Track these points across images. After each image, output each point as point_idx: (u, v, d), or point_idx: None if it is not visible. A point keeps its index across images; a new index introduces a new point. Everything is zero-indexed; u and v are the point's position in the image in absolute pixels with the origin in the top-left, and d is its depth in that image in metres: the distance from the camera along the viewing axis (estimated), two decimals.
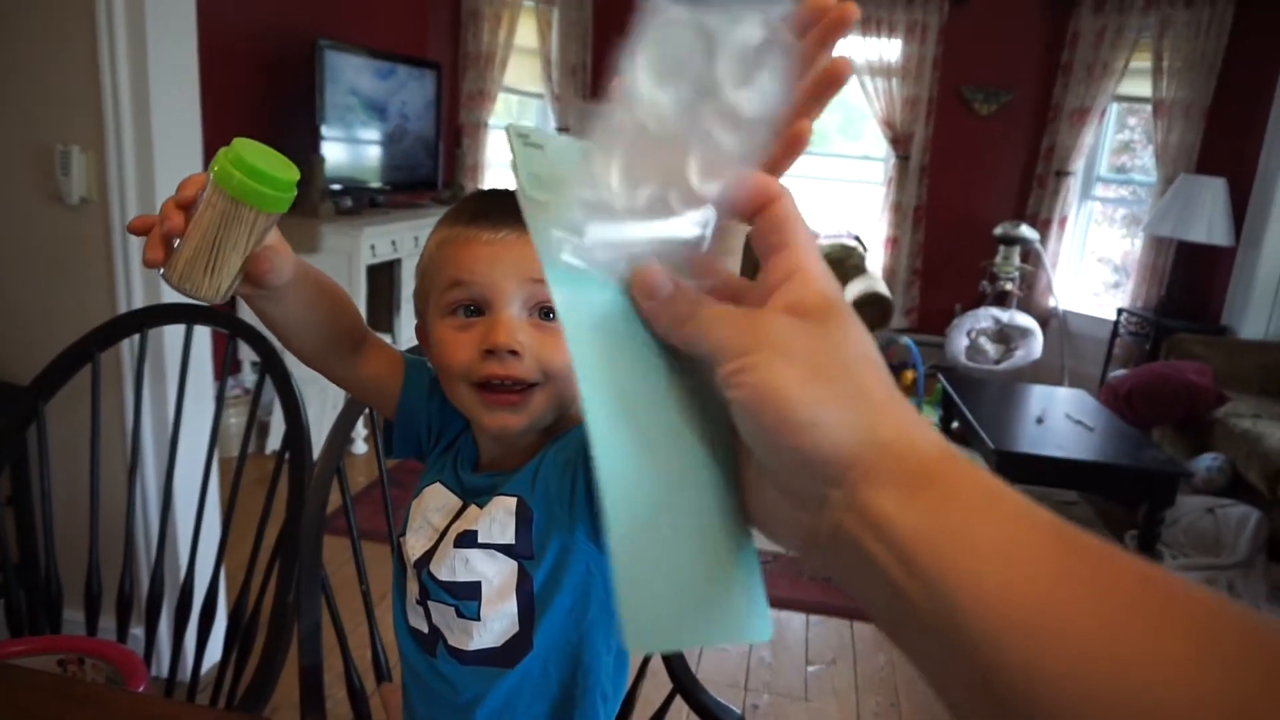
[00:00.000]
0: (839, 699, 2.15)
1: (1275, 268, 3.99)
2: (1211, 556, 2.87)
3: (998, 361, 4.54)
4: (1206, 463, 3.27)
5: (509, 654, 0.67)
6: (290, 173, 0.55)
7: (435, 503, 0.71)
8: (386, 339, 1.37)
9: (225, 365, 1.33)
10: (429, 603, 0.69)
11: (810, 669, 2.26)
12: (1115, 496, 3.37)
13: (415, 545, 0.70)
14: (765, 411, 0.29)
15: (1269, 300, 4.03)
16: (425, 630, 0.70)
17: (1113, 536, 3.11)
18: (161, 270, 0.55)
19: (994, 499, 0.27)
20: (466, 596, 0.67)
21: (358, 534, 1.11)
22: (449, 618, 0.68)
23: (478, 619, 0.67)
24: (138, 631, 1.35)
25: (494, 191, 0.69)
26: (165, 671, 1.29)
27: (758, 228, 0.33)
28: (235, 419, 3.05)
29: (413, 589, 0.70)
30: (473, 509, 0.68)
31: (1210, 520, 2.99)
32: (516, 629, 0.66)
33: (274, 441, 3.14)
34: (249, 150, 0.53)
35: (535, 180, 0.35)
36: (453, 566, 0.67)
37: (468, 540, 0.67)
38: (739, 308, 0.31)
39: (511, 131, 0.37)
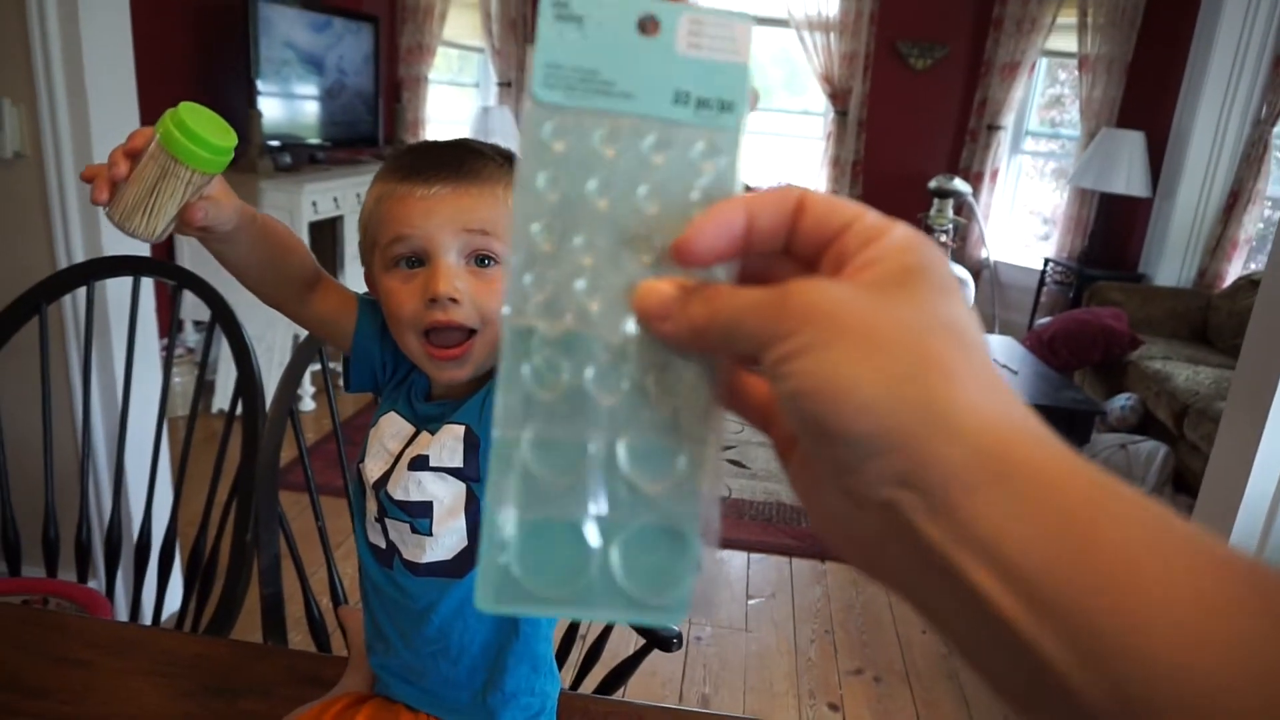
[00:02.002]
0: (777, 629, 2.28)
1: (1188, 218, 4.20)
2: None
3: None
4: (1120, 402, 3.47)
5: (459, 565, 0.73)
6: (228, 139, 0.61)
7: (390, 429, 0.76)
8: None
9: (174, 315, 1.35)
10: (386, 520, 0.75)
11: (750, 602, 2.38)
12: None
13: (373, 468, 0.76)
14: (819, 400, 0.23)
15: (1181, 249, 4.24)
16: (383, 545, 0.76)
17: None
18: (105, 209, 0.62)
19: (1150, 520, 0.21)
20: (420, 515, 0.73)
21: (311, 473, 1.17)
22: (404, 533, 0.74)
23: (430, 535, 0.73)
24: (95, 585, 1.39)
25: (426, 144, 0.74)
26: (126, 619, 1.34)
27: (800, 239, 0.27)
28: (179, 378, 3.04)
29: (371, 508, 0.76)
30: (425, 435, 0.74)
31: (1122, 456, 3.19)
32: (466, 543, 0.73)
33: (220, 400, 3.14)
34: (192, 114, 0.60)
35: (554, 75, 0.27)
36: (406, 487, 0.73)
37: (420, 464, 0.73)
38: (772, 286, 0.26)
39: None
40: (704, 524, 0.28)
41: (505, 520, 0.27)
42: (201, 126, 0.59)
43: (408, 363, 0.78)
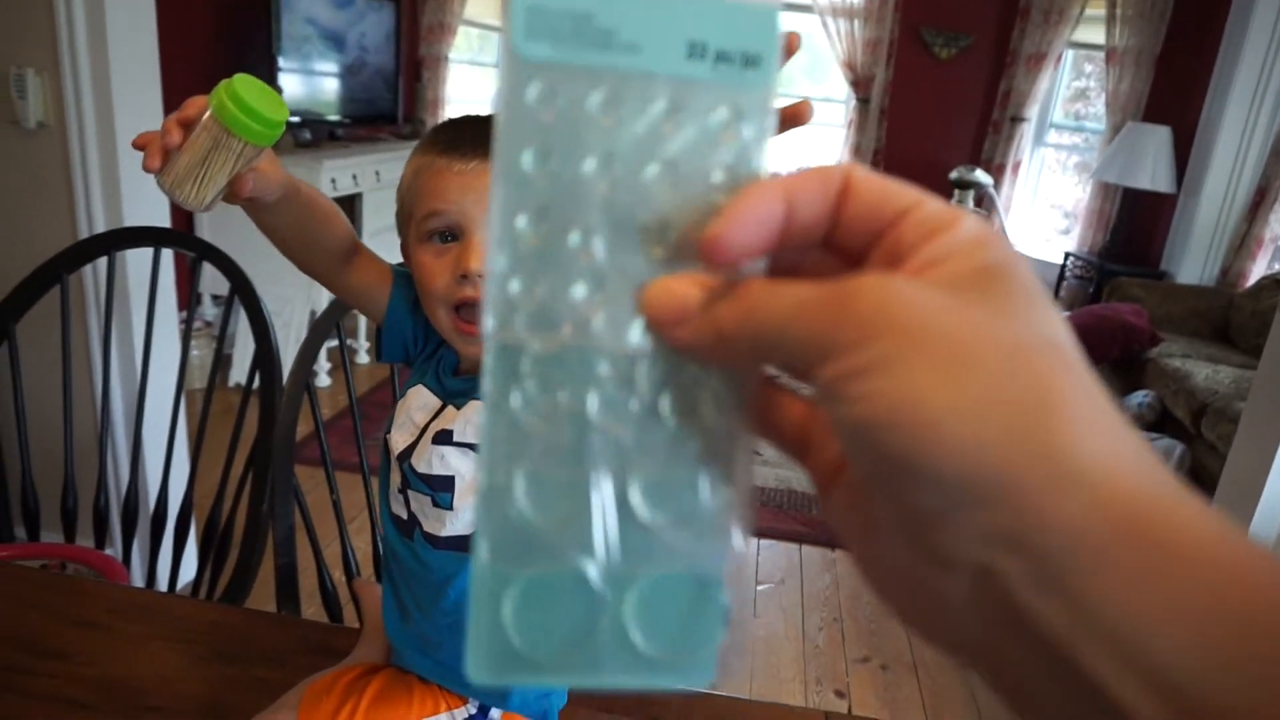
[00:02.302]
0: (786, 616, 2.29)
1: (1212, 215, 4.14)
2: None
3: None
4: (1138, 399, 3.44)
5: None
6: (280, 113, 0.62)
7: (417, 402, 0.77)
8: None
9: (193, 287, 1.36)
10: (408, 492, 0.75)
11: (760, 588, 2.39)
12: None
13: (398, 440, 0.76)
14: (900, 431, 0.19)
15: (1205, 246, 4.19)
16: (405, 516, 0.77)
17: None
18: (157, 176, 0.62)
19: None
20: (441, 489, 0.74)
21: (327, 448, 1.17)
22: (425, 506, 0.75)
23: (451, 509, 0.74)
24: (112, 552, 1.40)
25: (465, 119, 0.74)
26: (142, 586, 1.35)
27: (845, 228, 0.22)
28: (197, 351, 3.06)
29: (395, 479, 0.77)
30: (450, 409, 0.75)
31: None
32: None
33: (237, 374, 3.16)
34: (246, 87, 0.60)
35: (539, 23, 0.22)
36: (430, 461, 0.73)
37: (444, 438, 0.73)
38: (828, 281, 0.21)
39: None
40: (732, 569, 0.23)
41: (498, 576, 0.22)
42: (255, 99, 0.59)
43: (438, 336, 0.79)
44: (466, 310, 0.70)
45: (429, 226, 0.71)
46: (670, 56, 0.22)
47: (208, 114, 0.60)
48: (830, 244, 0.23)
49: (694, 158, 0.23)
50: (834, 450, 0.24)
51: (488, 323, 0.22)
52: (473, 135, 0.70)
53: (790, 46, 0.50)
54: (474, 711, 0.76)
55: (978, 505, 0.18)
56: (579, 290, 0.22)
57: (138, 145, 0.63)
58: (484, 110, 0.80)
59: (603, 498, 0.23)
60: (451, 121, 0.74)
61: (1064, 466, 0.18)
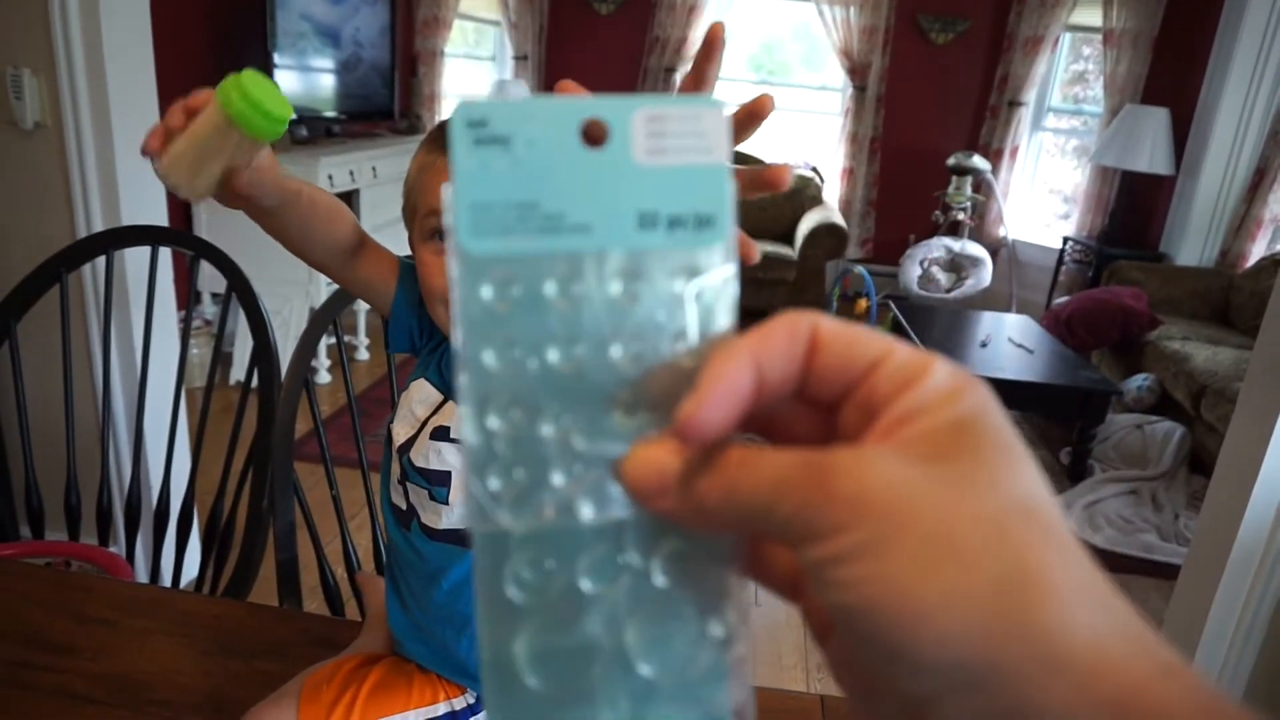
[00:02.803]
0: (787, 604, 2.30)
1: (1211, 197, 4.14)
2: (1139, 469, 3.06)
3: (949, 290, 4.67)
4: (1138, 382, 3.44)
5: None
6: (284, 110, 0.61)
7: (419, 395, 0.78)
8: None
9: (191, 285, 1.37)
10: (407, 484, 0.76)
11: None
12: (1053, 415, 3.54)
13: (400, 432, 0.77)
14: (886, 620, 0.19)
15: (1204, 228, 4.19)
16: (404, 507, 0.78)
17: (1049, 453, 3.29)
18: (153, 160, 0.61)
19: None
20: (438, 483, 0.75)
21: (326, 444, 1.18)
22: (423, 499, 0.76)
23: (447, 503, 0.75)
24: (115, 550, 1.42)
25: None
26: (146, 583, 1.36)
27: (816, 383, 0.23)
28: (197, 350, 3.07)
29: (395, 470, 0.78)
30: (451, 405, 0.75)
31: (1138, 436, 3.17)
32: None
33: (237, 373, 3.17)
34: (253, 81, 0.60)
35: (484, 217, 0.22)
36: (427, 455, 0.74)
37: (441, 434, 0.74)
38: (804, 452, 0.21)
39: (458, 119, 0.22)
40: (737, 709, 0.24)
41: None
42: (261, 94, 0.59)
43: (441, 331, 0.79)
44: None
45: (430, 225, 0.72)
46: (622, 230, 0.23)
47: (213, 104, 0.60)
48: (803, 397, 0.23)
49: (657, 325, 0.23)
50: (839, 632, 0.24)
51: (470, 518, 0.22)
52: None
53: (763, 109, 0.49)
54: (472, 701, 0.77)
55: (970, 690, 0.19)
56: (557, 477, 0.23)
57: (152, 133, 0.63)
58: None
59: (604, 659, 0.23)
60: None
61: (1050, 651, 0.18)
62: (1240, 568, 1.75)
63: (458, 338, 0.22)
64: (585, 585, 0.23)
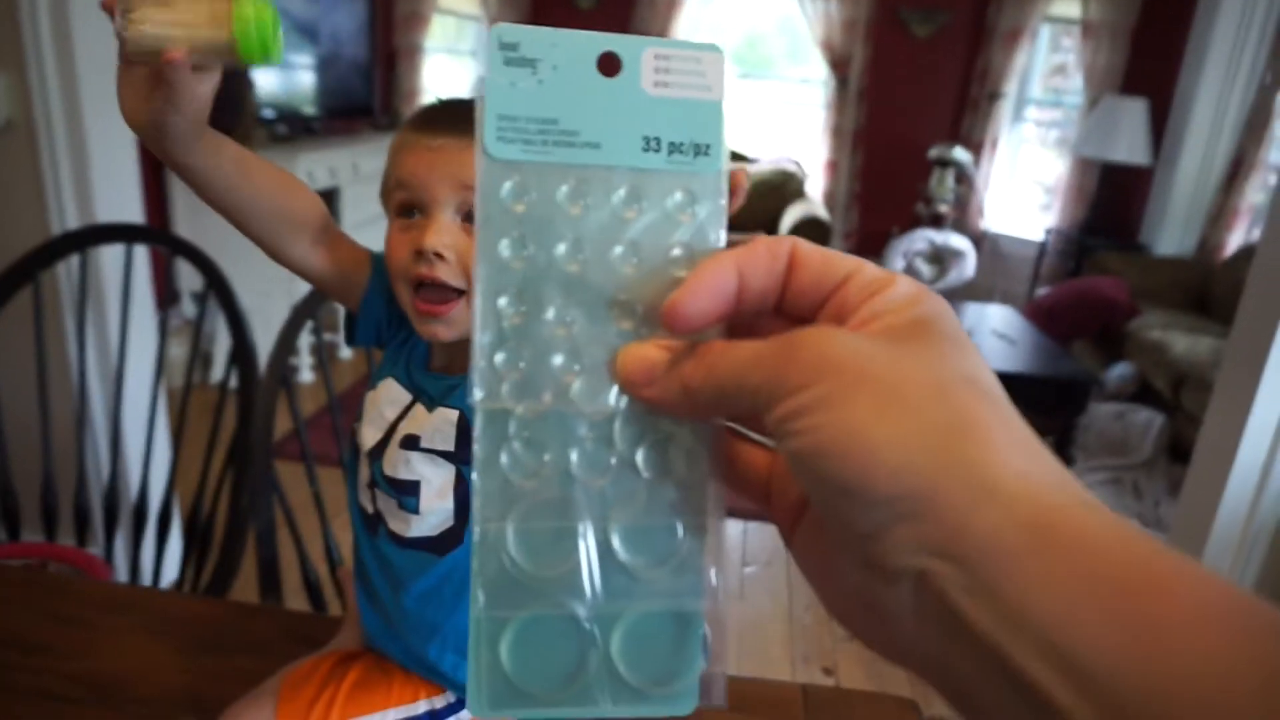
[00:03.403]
0: (773, 598, 2.31)
1: (1189, 187, 4.18)
2: (1120, 458, 3.09)
3: (933, 282, 4.69)
4: (1118, 372, 3.47)
5: (442, 544, 0.74)
6: (279, 54, 0.57)
7: (388, 396, 0.76)
8: None
9: (168, 283, 1.36)
10: (375, 489, 0.75)
11: (746, 570, 2.41)
12: (1034, 405, 3.57)
13: (368, 435, 0.76)
14: (841, 458, 0.21)
15: (1182, 218, 4.22)
16: (371, 512, 0.76)
17: None
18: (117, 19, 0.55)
19: (1219, 599, 0.18)
20: (408, 493, 0.73)
21: (307, 442, 1.17)
22: (391, 507, 0.74)
23: (417, 513, 0.73)
24: (95, 551, 1.40)
25: (448, 101, 0.73)
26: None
27: (794, 295, 0.25)
28: (176, 349, 3.05)
29: (364, 473, 0.76)
30: (420, 408, 0.74)
31: (1119, 425, 3.20)
32: (452, 523, 0.73)
33: (217, 373, 3.15)
34: (275, 17, 0.56)
35: (509, 127, 0.25)
36: (396, 465, 0.73)
37: (411, 443, 0.72)
38: (777, 338, 0.23)
39: (493, 38, 0.25)
40: (710, 604, 0.25)
41: (494, 620, 0.25)
42: (272, 30, 0.56)
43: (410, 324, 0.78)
44: (425, 290, 0.69)
45: (396, 199, 0.71)
46: (628, 151, 0.25)
47: (226, 6, 0.54)
48: (781, 310, 0.25)
49: (654, 237, 0.26)
50: (792, 494, 0.26)
51: (475, 393, 0.25)
52: (448, 116, 0.70)
53: (737, 186, 0.48)
54: (452, 700, 0.76)
55: (910, 519, 0.21)
56: (557, 360, 0.25)
57: None
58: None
59: (587, 545, 0.25)
60: (437, 101, 0.74)
61: (981, 482, 0.20)
62: (1218, 553, 1.77)
63: (477, 232, 0.24)
64: (575, 471, 0.25)
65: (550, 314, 0.25)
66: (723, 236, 0.26)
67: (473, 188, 0.68)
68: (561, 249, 0.25)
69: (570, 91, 0.25)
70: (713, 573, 0.26)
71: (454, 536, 0.73)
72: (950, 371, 0.22)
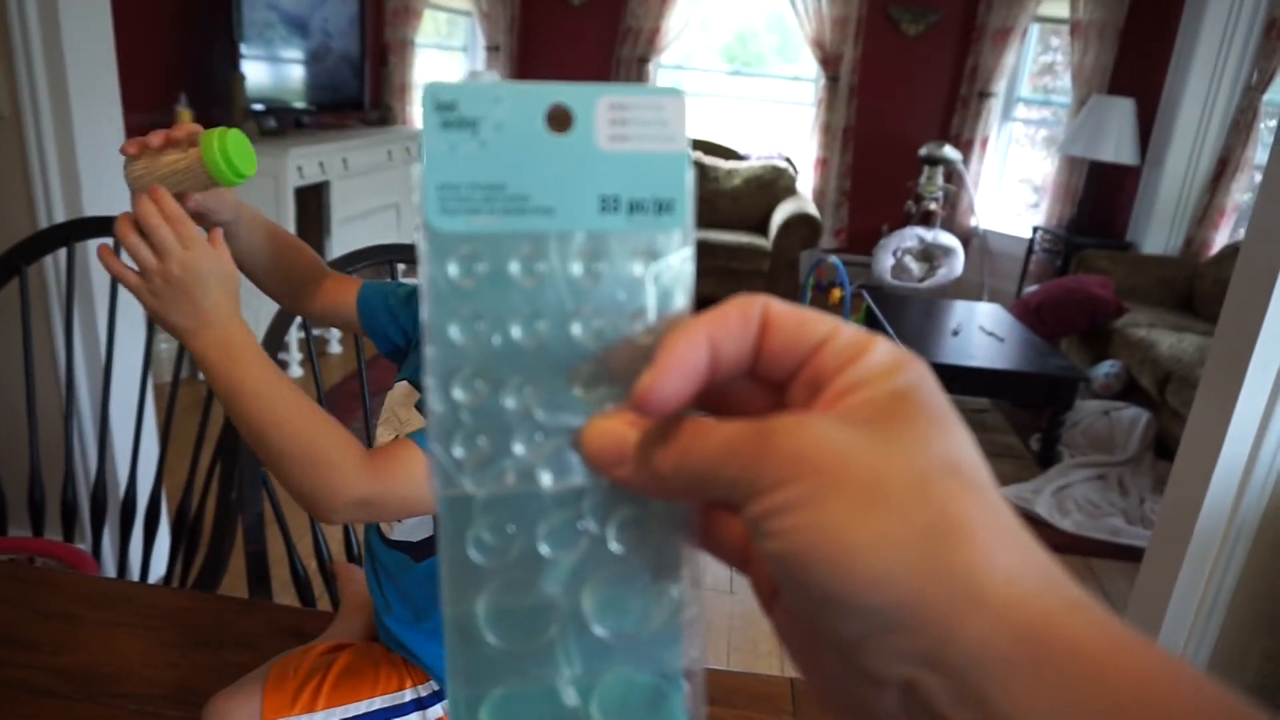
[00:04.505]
0: None
1: (1176, 186, 4.20)
2: (1106, 455, 3.11)
3: (922, 280, 4.71)
4: (1105, 369, 3.50)
5: (419, 551, 0.76)
6: (251, 169, 0.70)
7: (399, 397, 0.79)
8: None
9: None
10: None
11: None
12: (1022, 402, 3.59)
13: (382, 434, 0.78)
14: (820, 566, 0.20)
15: (1169, 217, 4.25)
16: None
17: (1019, 440, 3.34)
18: (125, 163, 0.70)
19: (1210, 708, 0.18)
20: None
21: None
22: None
23: (398, 519, 0.76)
24: (82, 547, 1.40)
25: None
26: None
27: (767, 361, 0.24)
28: (165, 344, 3.03)
29: None
30: (420, 412, 0.76)
31: (1105, 422, 3.22)
32: (430, 532, 0.75)
33: None
34: (236, 142, 0.69)
35: (451, 197, 0.23)
36: None
37: None
38: (751, 420, 0.22)
39: (428, 100, 0.23)
40: (689, 665, 0.25)
41: (472, 698, 0.24)
42: (238, 155, 0.69)
43: None
44: None
45: None
46: (585, 213, 0.23)
47: (196, 147, 0.68)
48: (755, 375, 0.24)
49: (617, 303, 0.24)
50: (769, 572, 0.25)
51: (434, 484, 0.23)
52: None
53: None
54: (435, 689, 0.77)
55: (895, 629, 0.20)
56: (518, 442, 0.24)
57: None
58: None
59: (561, 619, 0.24)
60: None
61: (969, 589, 0.19)
62: (1201, 549, 1.79)
63: (424, 312, 0.22)
64: (544, 549, 0.24)
65: (509, 394, 0.23)
66: (689, 296, 0.24)
67: None
68: (517, 326, 0.23)
69: (517, 152, 0.23)
70: (691, 635, 0.25)
71: (430, 547, 0.76)
72: (932, 460, 0.21)
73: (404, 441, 0.65)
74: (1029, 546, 0.21)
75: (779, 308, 0.23)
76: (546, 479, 0.24)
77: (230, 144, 0.68)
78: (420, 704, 0.76)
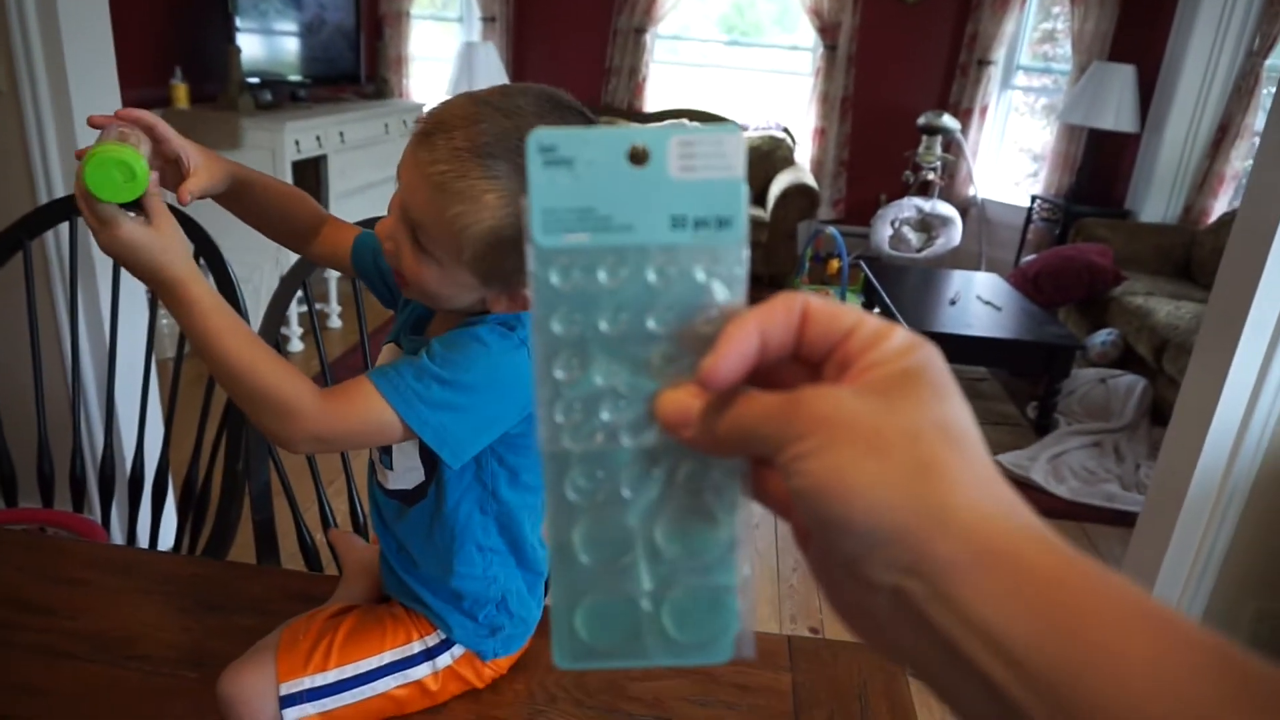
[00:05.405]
0: (761, 558, 2.35)
1: (1175, 153, 4.19)
2: (1102, 422, 3.14)
3: (920, 250, 4.71)
4: (1101, 337, 3.51)
5: (411, 497, 0.80)
6: (131, 185, 0.65)
7: (386, 357, 0.82)
8: None
9: None
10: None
11: None
12: (1019, 371, 3.61)
13: None
14: (826, 499, 0.26)
15: (1168, 185, 4.24)
16: (372, 460, 0.84)
17: (1016, 408, 3.36)
18: None
19: (1131, 605, 0.24)
20: (384, 450, 0.81)
21: None
22: (379, 458, 0.82)
23: (391, 469, 0.81)
24: (91, 518, 1.42)
25: (444, 118, 0.68)
26: None
27: (806, 346, 0.29)
28: (167, 320, 3.04)
29: None
30: None
31: (1102, 390, 3.24)
32: (421, 479, 0.79)
33: None
34: (91, 172, 0.64)
35: (552, 219, 0.28)
36: None
37: None
38: (788, 393, 0.28)
39: (532, 144, 0.28)
40: (740, 584, 0.31)
41: (570, 605, 0.30)
42: (98, 182, 0.64)
43: None
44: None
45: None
46: (658, 230, 0.29)
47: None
48: (797, 357, 0.30)
49: (685, 303, 0.29)
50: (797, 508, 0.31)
51: (542, 441, 0.30)
52: (440, 139, 0.67)
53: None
54: (443, 637, 0.80)
55: (885, 546, 0.26)
56: (605, 414, 0.30)
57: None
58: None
59: (639, 546, 0.30)
60: (443, 106, 0.70)
61: (942, 516, 0.25)
62: (1194, 513, 1.81)
63: (533, 310, 0.29)
64: (625, 492, 0.30)
65: (596, 374, 0.30)
66: (744, 293, 0.30)
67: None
68: (604, 320, 0.29)
69: (604, 183, 0.29)
70: (741, 557, 0.31)
71: (421, 492, 0.79)
72: (925, 419, 0.26)
73: (359, 380, 0.70)
74: (995, 486, 0.27)
75: (816, 302, 0.29)
76: (627, 439, 0.30)
77: (89, 177, 0.63)
78: (429, 654, 0.79)
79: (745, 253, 0.29)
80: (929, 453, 0.26)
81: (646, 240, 0.29)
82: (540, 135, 0.28)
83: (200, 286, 0.67)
